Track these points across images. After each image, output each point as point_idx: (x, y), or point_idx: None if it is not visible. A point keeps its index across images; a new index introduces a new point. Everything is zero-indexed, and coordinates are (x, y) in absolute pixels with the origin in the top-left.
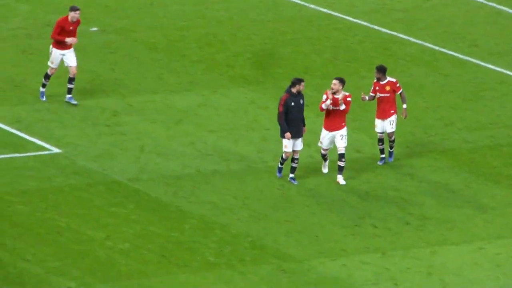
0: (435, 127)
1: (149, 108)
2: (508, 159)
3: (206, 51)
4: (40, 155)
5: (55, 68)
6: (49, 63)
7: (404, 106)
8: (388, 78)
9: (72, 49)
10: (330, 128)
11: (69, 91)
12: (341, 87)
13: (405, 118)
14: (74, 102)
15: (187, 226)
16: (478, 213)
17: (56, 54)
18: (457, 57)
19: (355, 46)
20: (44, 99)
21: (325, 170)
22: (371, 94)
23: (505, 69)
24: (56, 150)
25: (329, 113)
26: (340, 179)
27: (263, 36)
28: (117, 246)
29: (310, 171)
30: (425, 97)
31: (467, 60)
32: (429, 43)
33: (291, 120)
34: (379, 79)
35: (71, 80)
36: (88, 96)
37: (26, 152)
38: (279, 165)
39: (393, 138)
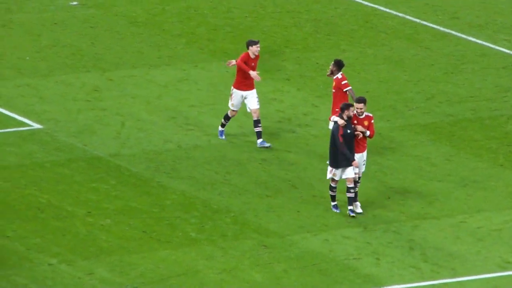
0: (416, 100)
1: (130, 83)
2: (489, 132)
3: (187, 24)
4: (21, 130)
5: (236, 111)
6: (229, 105)
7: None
8: (337, 75)
9: (254, 91)
10: (357, 150)
11: (258, 135)
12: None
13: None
14: (267, 145)
15: (168, 202)
16: (459, 186)
17: (237, 95)
18: (438, 30)
19: (336, 19)
20: (223, 137)
21: (358, 209)
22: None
23: (485, 41)
24: (36, 125)
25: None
26: (358, 207)
27: (243, 10)
28: (98, 222)
29: (291, 146)
30: (406, 70)
31: (448, 33)
32: (410, 15)
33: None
34: (332, 72)
35: (256, 123)
36: (68, 71)
37: (6, 128)
38: (333, 202)
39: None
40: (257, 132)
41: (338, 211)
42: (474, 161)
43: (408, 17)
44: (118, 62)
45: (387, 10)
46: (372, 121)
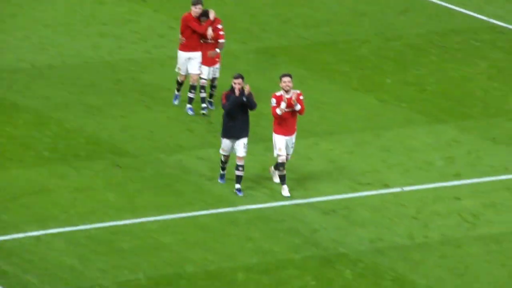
0: (272, 23)
1: None
2: (343, 55)
3: None
4: None
5: (184, 75)
6: (176, 70)
7: (218, 50)
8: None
9: (200, 53)
10: (287, 133)
11: (190, 100)
12: (292, 84)
13: (208, 56)
14: (192, 113)
15: (21, 121)
16: (312, 109)
17: (181, 57)
18: None
19: None
20: (176, 102)
21: (277, 179)
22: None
23: None
24: None
25: (283, 116)
26: (285, 190)
27: None
28: None
29: (146, 67)
30: None
31: None
32: None
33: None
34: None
35: (190, 88)
36: None
37: None
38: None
39: (214, 83)
40: (189, 97)
41: (222, 182)
42: (327, 84)
43: None
44: None
45: None
46: (301, 97)
